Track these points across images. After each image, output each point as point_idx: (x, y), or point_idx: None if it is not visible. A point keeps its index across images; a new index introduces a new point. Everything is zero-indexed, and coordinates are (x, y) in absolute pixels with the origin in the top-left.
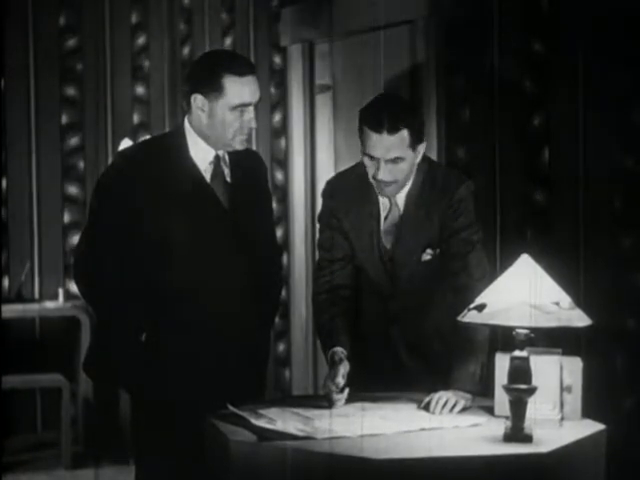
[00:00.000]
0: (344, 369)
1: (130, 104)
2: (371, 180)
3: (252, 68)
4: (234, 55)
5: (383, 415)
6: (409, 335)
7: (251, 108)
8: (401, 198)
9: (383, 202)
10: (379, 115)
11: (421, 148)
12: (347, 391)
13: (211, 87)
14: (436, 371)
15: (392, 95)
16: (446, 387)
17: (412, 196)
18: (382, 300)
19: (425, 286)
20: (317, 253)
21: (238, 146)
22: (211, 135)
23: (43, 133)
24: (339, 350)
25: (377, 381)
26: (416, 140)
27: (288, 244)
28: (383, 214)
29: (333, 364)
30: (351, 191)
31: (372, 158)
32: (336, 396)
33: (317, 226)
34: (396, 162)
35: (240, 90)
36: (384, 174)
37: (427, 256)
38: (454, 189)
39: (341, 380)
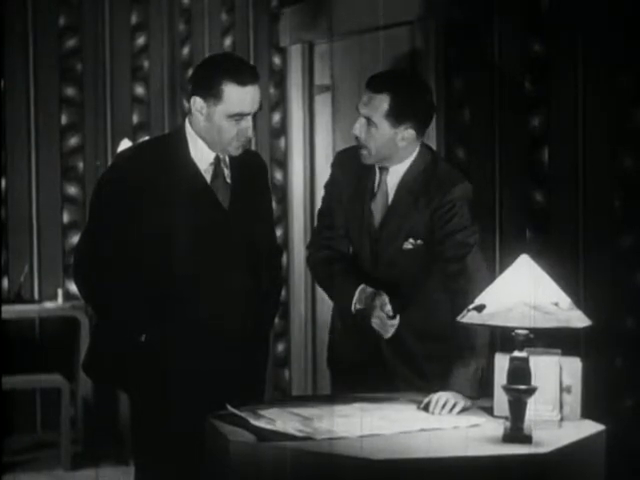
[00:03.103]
0: (386, 296)
1: (130, 104)
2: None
3: (254, 77)
4: (238, 62)
5: (383, 415)
6: None
7: (249, 117)
8: (394, 180)
9: (378, 181)
10: (375, 75)
11: (403, 132)
12: (398, 318)
13: (210, 92)
14: (414, 369)
15: (409, 69)
16: (445, 388)
17: (406, 182)
18: (365, 283)
19: (405, 277)
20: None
21: (233, 152)
22: (208, 138)
23: (43, 133)
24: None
25: (359, 373)
26: (397, 116)
27: (288, 244)
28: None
29: (373, 295)
30: (354, 166)
31: (359, 115)
32: (390, 322)
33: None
34: (369, 124)
35: (239, 99)
36: (356, 129)
37: (409, 245)
38: (448, 188)
39: (390, 306)
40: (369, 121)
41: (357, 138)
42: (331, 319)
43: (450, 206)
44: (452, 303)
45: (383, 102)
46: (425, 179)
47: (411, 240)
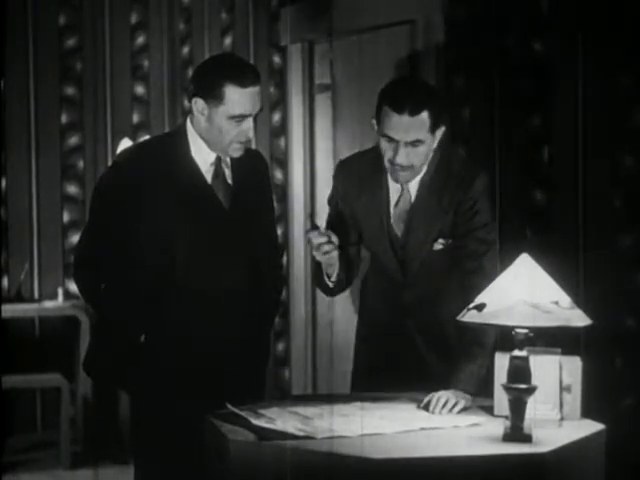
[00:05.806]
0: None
1: (130, 104)
2: (386, 164)
3: (256, 79)
4: (239, 63)
5: (383, 415)
6: (424, 325)
7: (250, 119)
8: (414, 184)
9: (394, 187)
10: (402, 95)
11: (439, 133)
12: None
13: (211, 93)
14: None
15: (414, 77)
16: (448, 386)
17: (425, 183)
18: (395, 289)
19: (438, 275)
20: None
21: (234, 154)
22: (209, 139)
23: (43, 133)
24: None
25: (394, 377)
26: (436, 124)
27: (287, 244)
28: (394, 200)
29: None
30: (362, 175)
31: (390, 140)
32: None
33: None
34: (415, 145)
35: (240, 101)
36: (402, 158)
37: (439, 245)
38: (469, 183)
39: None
40: (415, 143)
41: (396, 165)
42: (357, 326)
43: (472, 202)
44: (465, 300)
45: (424, 121)
46: (442, 176)
47: (441, 240)
